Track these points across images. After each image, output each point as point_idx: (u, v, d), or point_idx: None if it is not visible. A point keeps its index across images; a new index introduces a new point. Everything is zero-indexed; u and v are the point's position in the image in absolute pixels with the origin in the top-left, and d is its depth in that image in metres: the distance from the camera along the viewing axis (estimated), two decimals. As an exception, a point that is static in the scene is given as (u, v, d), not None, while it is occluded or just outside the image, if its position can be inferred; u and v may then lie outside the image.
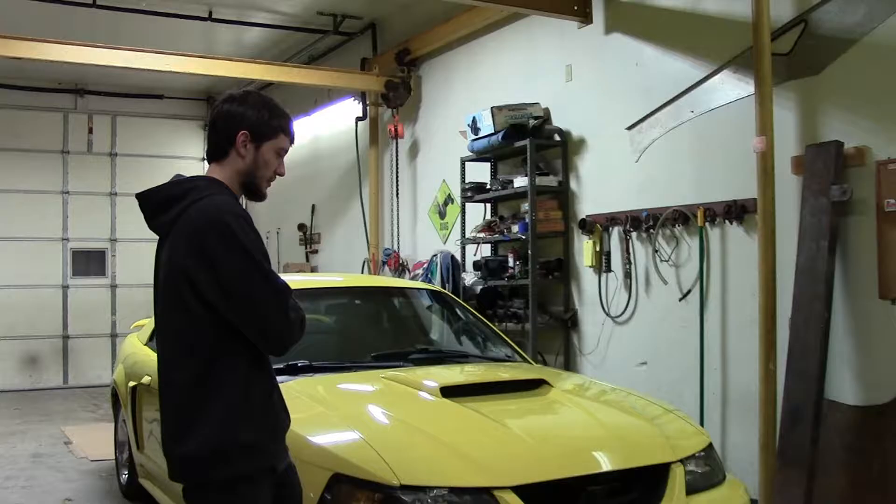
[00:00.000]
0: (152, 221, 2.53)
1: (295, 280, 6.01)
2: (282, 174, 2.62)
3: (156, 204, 2.51)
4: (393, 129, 8.39)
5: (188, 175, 2.58)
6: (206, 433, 2.37)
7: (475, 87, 7.53)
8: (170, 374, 2.48)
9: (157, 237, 2.54)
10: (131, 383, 5.22)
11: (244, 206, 2.59)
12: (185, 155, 12.39)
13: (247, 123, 2.50)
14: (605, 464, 3.23)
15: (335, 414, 3.56)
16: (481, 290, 6.72)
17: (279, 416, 2.53)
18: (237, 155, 2.51)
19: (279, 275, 2.45)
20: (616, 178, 6.01)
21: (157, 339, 2.58)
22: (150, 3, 8.11)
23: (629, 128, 5.86)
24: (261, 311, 2.37)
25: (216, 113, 2.57)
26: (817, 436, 4.45)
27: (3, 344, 11.44)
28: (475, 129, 6.71)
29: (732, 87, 5.10)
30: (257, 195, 2.58)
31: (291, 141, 2.62)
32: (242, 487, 2.40)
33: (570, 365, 6.39)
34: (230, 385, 2.39)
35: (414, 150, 8.52)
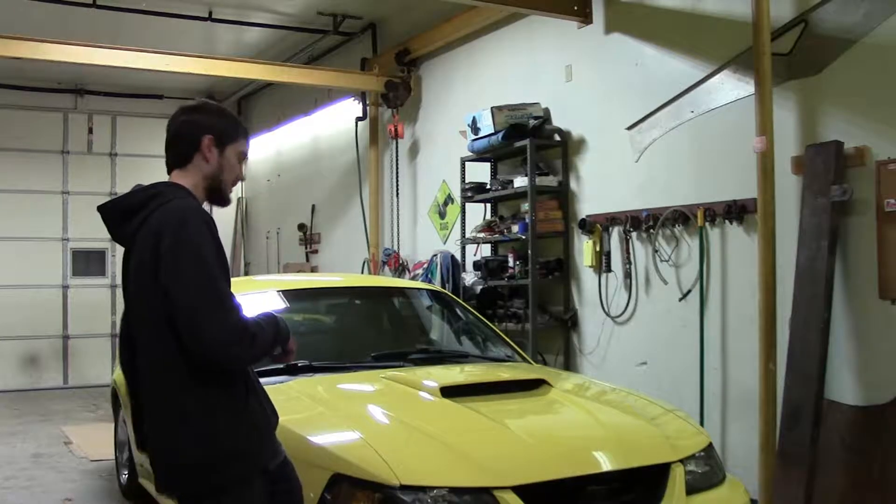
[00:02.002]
0: (116, 232, 2.54)
1: (295, 280, 6.04)
2: (243, 179, 2.75)
3: (119, 214, 2.52)
4: (393, 129, 8.38)
5: (147, 185, 2.58)
6: (186, 445, 2.39)
7: (475, 87, 7.52)
8: (145, 385, 2.50)
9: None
10: (131, 383, 5.21)
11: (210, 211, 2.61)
12: (185, 155, 12.35)
13: (210, 129, 2.59)
14: (605, 464, 3.23)
15: (335, 414, 3.56)
16: (481, 290, 6.72)
17: (258, 418, 2.52)
18: (202, 159, 2.58)
19: (233, 294, 2.42)
20: (616, 178, 6.01)
21: (127, 347, 2.60)
22: (150, 3, 8.11)
23: (629, 128, 5.86)
24: (191, 315, 2.32)
25: (177, 124, 2.62)
26: (817, 436, 4.45)
27: (3, 344, 11.44)
28: (475, 129, 6.71)
29: (732, 88, 5.10)
30: (222, 199, 2.65)
31: (248, 145, 2.75)
32: (232, 492, 2.42)
33: (570, 365, 6.39)
34: (203, 397, 2.40)
35: (414, 150, 8.52)
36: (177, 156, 2.61)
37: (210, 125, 2.60)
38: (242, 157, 2.68)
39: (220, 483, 2.41)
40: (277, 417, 2.64)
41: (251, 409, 2.49)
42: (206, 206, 2.60)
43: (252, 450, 2.46)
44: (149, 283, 2.39)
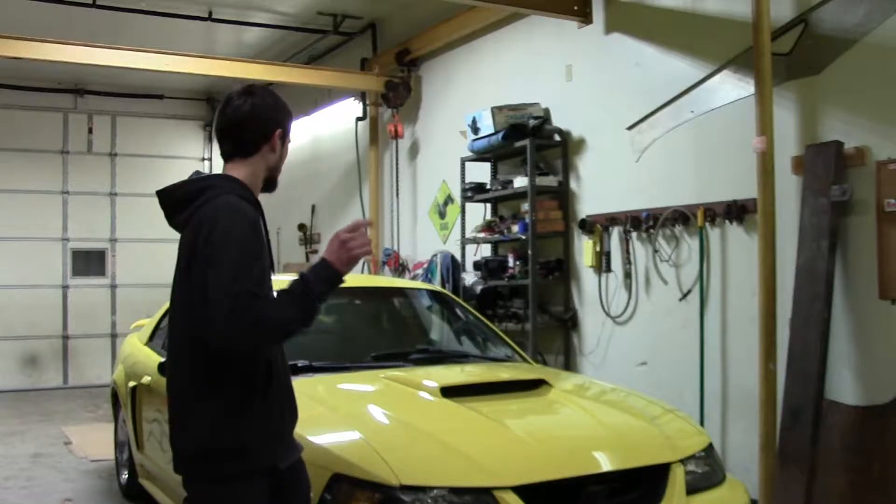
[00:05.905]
0: (171, 220, 2.55)
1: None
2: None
3: (174, 202, 2.53)
4: (393, 129, 8.38)
5: (206, 173, 2.61)
6: (198, 432, 2.42)
7: (475, 87, 7.52)
8: (173, 367, 2.55)
9: (175, 236, 2.56)
10: (131, 383, 5.22)
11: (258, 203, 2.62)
12: (185, 155, 12.35)
13: (280, 122, 2.61)
14: (606, 464, 3.23)
15: (335, 414, 3.56)
16: (481, 290, 6.71)
17: (270, 419, 2.49)
18: (270, 150, 2.59)
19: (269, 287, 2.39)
20: (616, 178, 6.01)
21: (168, 337, 2.64)
22: (150, 3, 8.11)
23: (629, 128, 5.86)
24: (210, 291, 2.29)
25: (243, 113, 2.55)
26: (817, 436, 4.45)
27: (3, 344, 11.43)
28: (475, 129, 6.71)
29: (732, 87, 5.10)
30: (275, 186, 2.68)
31: None
32: (233, 484, 2.43)
33: (570, 365, 6.39)
34: (213, 390, 2.40)
35: (414, 150, 8.52)
36: (241, 144, 2.56)
37: (280, 119, 2.61)
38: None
39: (217, 475, 2.42)
40: (297, 417, 2.63)
41: (263, 408, 2.46)
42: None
43: (255, 449, 2.44)
44: (180, 273, 2.46)
